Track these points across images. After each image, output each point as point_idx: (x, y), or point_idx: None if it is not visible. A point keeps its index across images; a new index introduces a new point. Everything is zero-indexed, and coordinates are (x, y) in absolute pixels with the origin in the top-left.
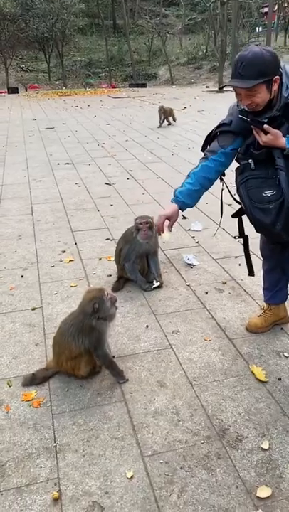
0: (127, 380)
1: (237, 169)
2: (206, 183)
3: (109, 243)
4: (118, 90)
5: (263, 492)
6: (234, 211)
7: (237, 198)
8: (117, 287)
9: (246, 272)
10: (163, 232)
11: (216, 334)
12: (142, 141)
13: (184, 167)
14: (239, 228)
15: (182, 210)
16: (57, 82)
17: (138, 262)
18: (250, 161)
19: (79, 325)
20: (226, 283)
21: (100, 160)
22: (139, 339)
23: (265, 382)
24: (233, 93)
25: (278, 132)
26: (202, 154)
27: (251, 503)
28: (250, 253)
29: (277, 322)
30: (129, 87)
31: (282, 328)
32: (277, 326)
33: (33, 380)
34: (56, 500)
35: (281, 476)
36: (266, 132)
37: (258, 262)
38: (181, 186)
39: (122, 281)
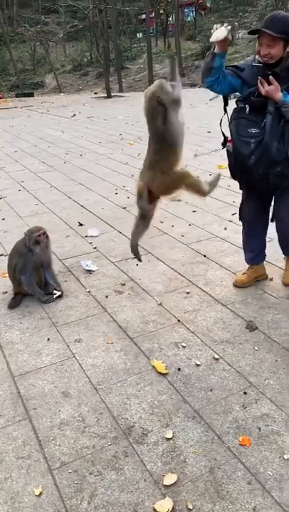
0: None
1: (234, 109)
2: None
3: (3, 259)
4: (4, 101)
5: (169, 479)
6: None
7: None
8: (14, 304)
9: (143, 271)
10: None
11: (118, 336)
12: (32, 151)
13: (77, 174)
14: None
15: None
16: None
17: (34, 274)
18: (246, 105)
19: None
20: (124, 284)
21: None
22: (40, 353)
23: (166, 374)
24: (122, 98)
25: (278, 86)
26: (95, 160)
27: (159, 493)
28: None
29: (258, 278)
30: (16, 97)
31: (179, 320)
32: (173, 318)
33: None
34: None
35: (185, 461)
36: (269, 84)
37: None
38: None
39: (18, 298)
